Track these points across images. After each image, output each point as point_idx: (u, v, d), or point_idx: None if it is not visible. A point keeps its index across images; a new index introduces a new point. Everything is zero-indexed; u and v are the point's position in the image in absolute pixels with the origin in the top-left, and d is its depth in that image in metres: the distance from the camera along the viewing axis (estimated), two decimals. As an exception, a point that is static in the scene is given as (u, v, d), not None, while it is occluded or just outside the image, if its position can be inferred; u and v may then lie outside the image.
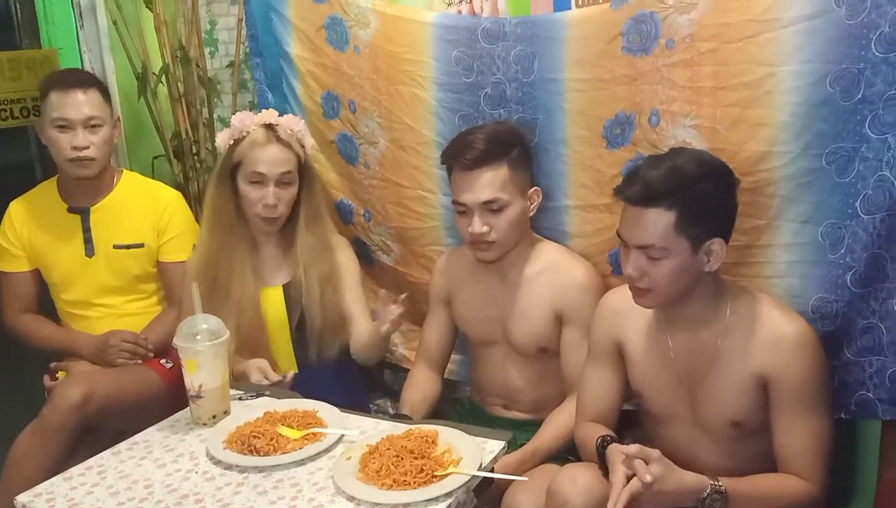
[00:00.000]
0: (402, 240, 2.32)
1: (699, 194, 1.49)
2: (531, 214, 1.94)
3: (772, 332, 1.54)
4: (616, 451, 1.49)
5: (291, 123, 2.09)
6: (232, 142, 2.06)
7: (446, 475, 1.45)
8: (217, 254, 2.06)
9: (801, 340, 1.52)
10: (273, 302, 2.11)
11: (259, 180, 2.02)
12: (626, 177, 1.58)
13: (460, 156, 1.86)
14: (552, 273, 1.94)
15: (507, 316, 1.97)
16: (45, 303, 2.35)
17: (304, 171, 2.09)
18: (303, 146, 2.10)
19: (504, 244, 1.90)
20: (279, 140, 2.04)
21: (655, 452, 1.43)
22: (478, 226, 1.86)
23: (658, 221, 1.49)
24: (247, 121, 2.05)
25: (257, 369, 1.96)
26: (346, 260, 2.18)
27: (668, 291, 1.55)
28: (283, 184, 2.04)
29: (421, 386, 2.06)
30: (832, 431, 1.56)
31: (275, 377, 1.94)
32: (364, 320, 2.12)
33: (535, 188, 1.94)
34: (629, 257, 1.55)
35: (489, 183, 1.85)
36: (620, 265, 1.94)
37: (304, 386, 1.93)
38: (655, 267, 1.52)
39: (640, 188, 1.51)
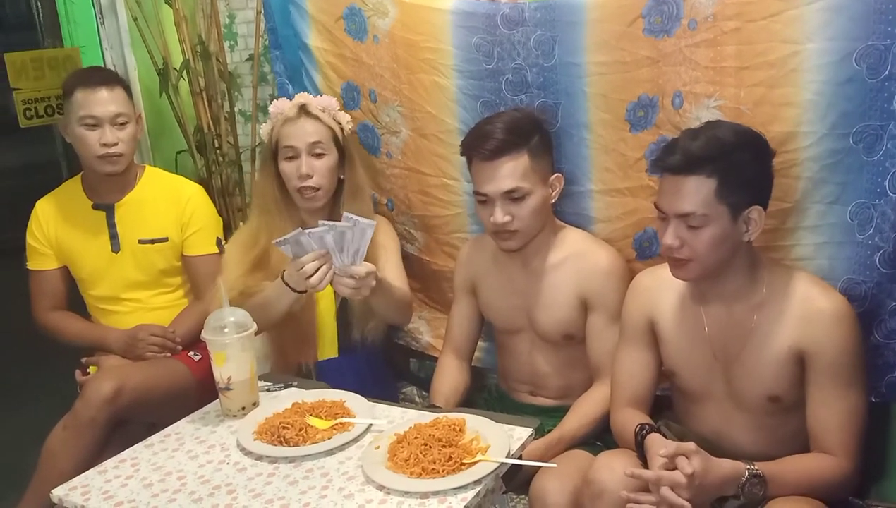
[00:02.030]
0: (427, 229, 2.32)
1: (738, 162, 1.49)
2: (553, 201, 1.93)
3: (809, 307, 1.53)
4: (656, 442, 1.48)
5: (323, 101, 2.13)
6: (271, 128, 2.11)
7: (475, 462, 1.45)
8: (267, 233, 2.06)
9: (839, 314, 1.51)
10: None
11: (293, 155, 2.06)
12: (664, 149, 1.58)
13: (480, 146, 1.85)
14: (576, 259, 1.93)
15: (532, 303, 1.97)
16: (74, 300, 2.38)
17: (342, 148, 2.11)
18: (338, 122, 2.12)
19: (527, 232, 1.89)
20: (309, 114, 2.08)
21: (691, 445, 1.42)
22: (500, 216, 1.85)
23: (700, 188, 1.49)
24: (280, 105, 2.11)
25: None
26: (385, 236, 2.18)
27: (708, 261, 1.54)
28: (314, 155, 2.06)
29: (450, 377, 2.06)
30: (867, 407, 1.54)
31: None
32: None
33: (556, 174, 1.92)
34: (668, 228, 1.54)
35: (510, 172, 1.83)
36: (644, 250, 1.94)
37: (332, 375, 1.93)
38: (696, 236, 1.51)
39: (680, 157, 1.51)
